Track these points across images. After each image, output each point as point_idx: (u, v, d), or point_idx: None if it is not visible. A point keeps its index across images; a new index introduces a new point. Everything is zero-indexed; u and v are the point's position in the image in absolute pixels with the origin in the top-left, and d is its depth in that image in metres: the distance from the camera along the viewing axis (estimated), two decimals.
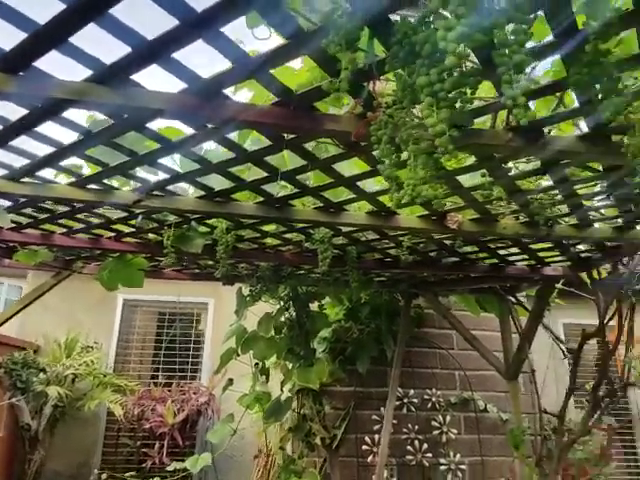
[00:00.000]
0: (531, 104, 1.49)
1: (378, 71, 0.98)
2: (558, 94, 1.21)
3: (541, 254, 2.35)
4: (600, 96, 0.83)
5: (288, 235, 2.26)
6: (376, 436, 3.39)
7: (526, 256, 2.39)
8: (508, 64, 0.71)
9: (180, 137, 1.43)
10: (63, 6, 0.93)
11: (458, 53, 0.67)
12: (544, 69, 1.35)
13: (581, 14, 0.82)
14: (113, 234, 2.30)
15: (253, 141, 1.61)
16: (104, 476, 3.62)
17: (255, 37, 1.05)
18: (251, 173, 1.72)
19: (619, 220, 1.94)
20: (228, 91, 1.28)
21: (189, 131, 1.42)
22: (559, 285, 2.91)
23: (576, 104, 1.13)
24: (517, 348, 2.91)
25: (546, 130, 1.30)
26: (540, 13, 0.93)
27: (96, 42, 1.20)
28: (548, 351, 3.79)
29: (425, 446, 3.51)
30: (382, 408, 3.42)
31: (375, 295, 3.50)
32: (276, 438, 3.47)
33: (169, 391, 4.47)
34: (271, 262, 2.53)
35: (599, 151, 1.24)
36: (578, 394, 4.17)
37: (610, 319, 2.72)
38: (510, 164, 1.50)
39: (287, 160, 1.64)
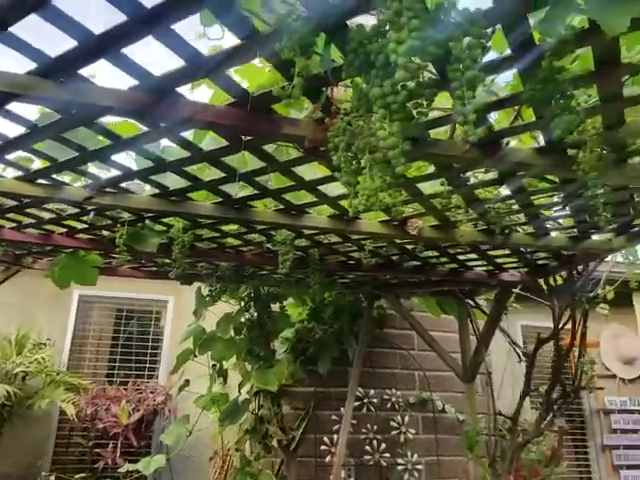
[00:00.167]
0: (493, 115, 1.50)
1: (335, 78, 0.96)
2: (516, 107, 1.22)
3: (499, 260, 2.38)
4: (553, 113, 0.82)
5: (250, 235, 2.23)
6: (335, 436, 3.39)
7: (484, 262, 2.42)
8: (460, 80, 0.69)
9: (132, 134, 1.38)
10: None
11: (409, 67, 0.64)
12: (505, 81, 1.36)
13: (537, 30, 0.81)
14: (65, 230, 2.21)
15: (211, 141, 1.56)
16: (52, 478, 3.50)
17: (208, 37, 1.00)
18: (211, 173, 1.67)
19: (575, 230, 1.98)
20: (185, 89, 1.23)
21: (145, 128, 1.37)
22: (516, 290, 2.96)
23: (534, 118, 1.14)
24: (474, 351, 2.95)
25: (505, 141, 1.31)
26: (499, 26, 0.93)
27: (41, 35, 1.14)
28: (506, 353, 3.87)
29: (383, 446, 3.53)
30: (342, 408, 3.42)
31: (339, 296, 3.50)
32: (235, 439, 3.43)
33: (125, 390, 4.36)
34: (231, 262, 2.48)
35: (555, 164, 1.25)
36: (534, 396, 4.29)
37: (564, 324, 2.79)
38: (469, 173, 1.50)
39: (248, 161, 1.60)
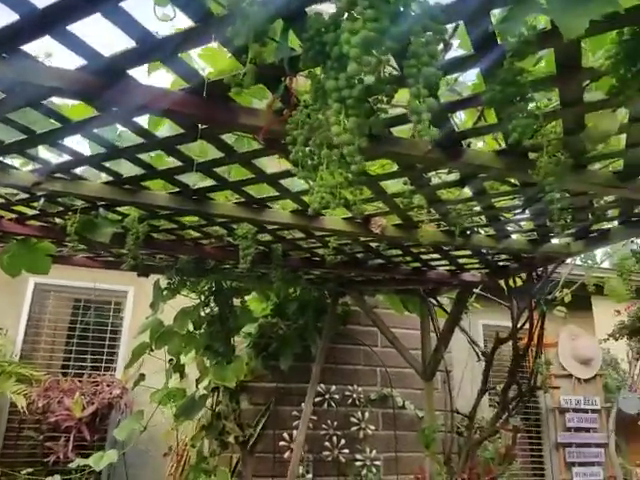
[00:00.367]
0: (459, 115, 1.49)
1: (292, 67, 0.91)
2: (480, 108, 1.20)
3: (461, 261, 2.39)
4: (511, 115, 0.80)
5: (210, 228, 2.16)
6: (294, 432, 3.36)
7: (447, 262, 2.42)
8: (417, 76, 0.66)
9: (82, 118, 1.30)
10: None
11: (362, 60, 0.61)
12: (472, 81, 1.34)
13: (497, 29, 0.79)
14: (15, 216, 2.11)
15: (169, 128, 1.50)
16: None
17: (158, 18, 0.94)
18: (170, 162, 1.61)
19: (534, 233, 2.00)
20: (141, 73, 1.17)
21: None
22: (477, 290, 2.99)
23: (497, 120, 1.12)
24: (434, 349, 2.97)
25: (467, 142, 1.29)
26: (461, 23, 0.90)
27: None
28: (467, 352, 3.92)
29: (343, 442, 3.53)
30: (303, 404, 3.40)
31: (304, 292, 3.46)
32: (192, 435, 3.36)
33: (80, 382, 4.23)
34: (190, 255, 2.42)
35: (515, 167, 1.24)
36: (493, 394, 4.36)
37: (522, 325, 2.83)
38: (432, 174, 1.49)
39: (207, 151, 1.54)
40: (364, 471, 3.50)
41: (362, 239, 2.16)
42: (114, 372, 4.70)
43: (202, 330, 2.92)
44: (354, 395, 3.68)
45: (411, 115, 0.66)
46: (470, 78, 1.32)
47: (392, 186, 1.59)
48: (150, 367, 3.22)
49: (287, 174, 1.56)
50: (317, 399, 3.50)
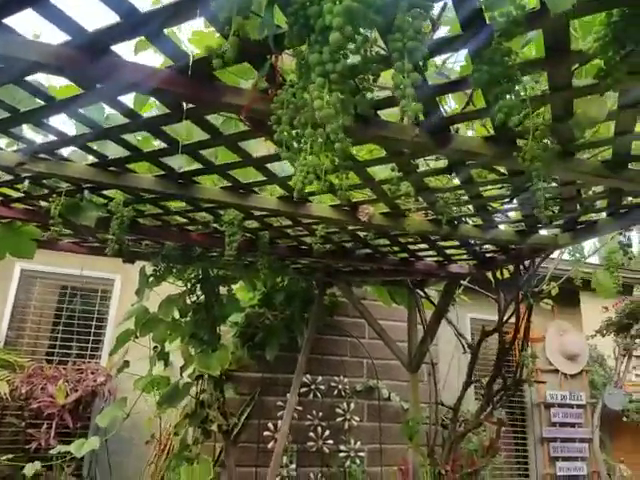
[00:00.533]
0: (449, 103, 1.48)
1: (277, 44, 0.90)
2: (468, 91, 1.19)
3: (449, 252, 2.39)
4: (497, 96, 0.79)
5: (196, 214, 2.14)
6: (279, 422, 3.37)
7: (434, 252, 2.42)
8: (401, 50, 0.65)
9: (66, 96, 1.28)
10: None
11: (344, 30, 0.60)
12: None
13: (484, 5, 0.78)
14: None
15: (156, 110, 1.48)
16: None
17: None
18: (156, 145, 1.59)
19: (522, 224, 2.00)
20: (128, 52, 1.15)
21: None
22: (465, 282, 2.99)
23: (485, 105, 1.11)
24: (420, 341, 2.98)
25: (455, 128, 1.28)
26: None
27: None
28: (454, 345, 3.93)
29: (327, 433, 3.54)
30: (288, 394, 3.40)
31: (292, 282, 3.45)
32: (175, 423, 3.35)
33: (64, 369, 4.19)
34: (176, 241, 2.39)
35: (502, 154, 1.24)
36: (479, 387, 4.38)
37: (509, 318, 2.84)
38: (420, 160, 1.48)
39: (194, 133, 1.52)
40: (348, 462, 3.52)
41: (350, 227, 2.15)
42: (99, 360, 4.66)
43: (188, 318, 2.90)
44: (340, 386, 3.69)
45: (395, 90, 0.64)
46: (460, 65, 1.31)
47: (380, 172, 1.58)
48: (135, 354, 3.19)
49: (274, 157, 1.54)
50: (303, 389, 3.51)
